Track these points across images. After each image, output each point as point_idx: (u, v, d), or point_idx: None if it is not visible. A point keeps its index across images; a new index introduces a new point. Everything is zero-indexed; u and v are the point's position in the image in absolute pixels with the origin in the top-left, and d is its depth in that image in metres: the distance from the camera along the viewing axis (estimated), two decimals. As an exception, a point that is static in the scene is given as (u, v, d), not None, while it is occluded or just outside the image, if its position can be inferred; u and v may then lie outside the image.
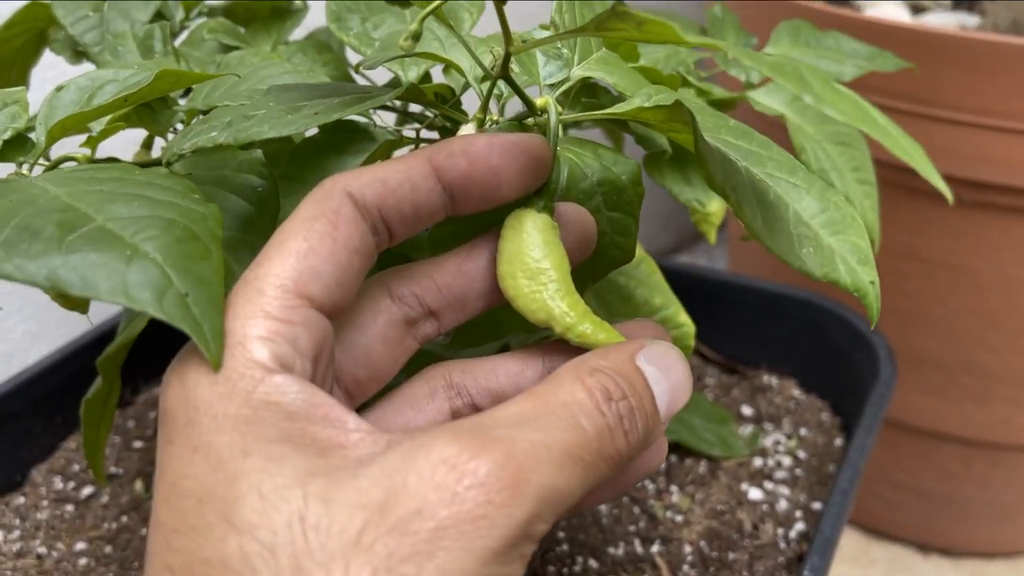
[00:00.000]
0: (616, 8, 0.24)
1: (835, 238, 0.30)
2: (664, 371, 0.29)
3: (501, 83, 0.31)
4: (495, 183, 0.28)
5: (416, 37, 0.28)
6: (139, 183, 0.26)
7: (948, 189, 0.47)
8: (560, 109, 0.30)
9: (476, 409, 0.31)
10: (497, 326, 0.34)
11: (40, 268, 0.22)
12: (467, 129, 0.31)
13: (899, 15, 0.80)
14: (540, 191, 0.30)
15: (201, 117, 0.29)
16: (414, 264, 0.31)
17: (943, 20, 0.80)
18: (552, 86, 0.33)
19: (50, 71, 0.51)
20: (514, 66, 0.32)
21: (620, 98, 0.34)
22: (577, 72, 0.33)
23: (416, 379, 0.32)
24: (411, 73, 0.36)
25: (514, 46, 0.28)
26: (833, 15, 0.70)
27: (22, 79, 0.49)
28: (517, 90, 0.30)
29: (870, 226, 0.43)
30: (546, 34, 0.32)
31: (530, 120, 0.32)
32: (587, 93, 0.34)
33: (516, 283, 0.29)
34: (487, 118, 0.32)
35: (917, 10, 0.83)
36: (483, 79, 0.33)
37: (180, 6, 0.44)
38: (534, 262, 0.29)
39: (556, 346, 0.31)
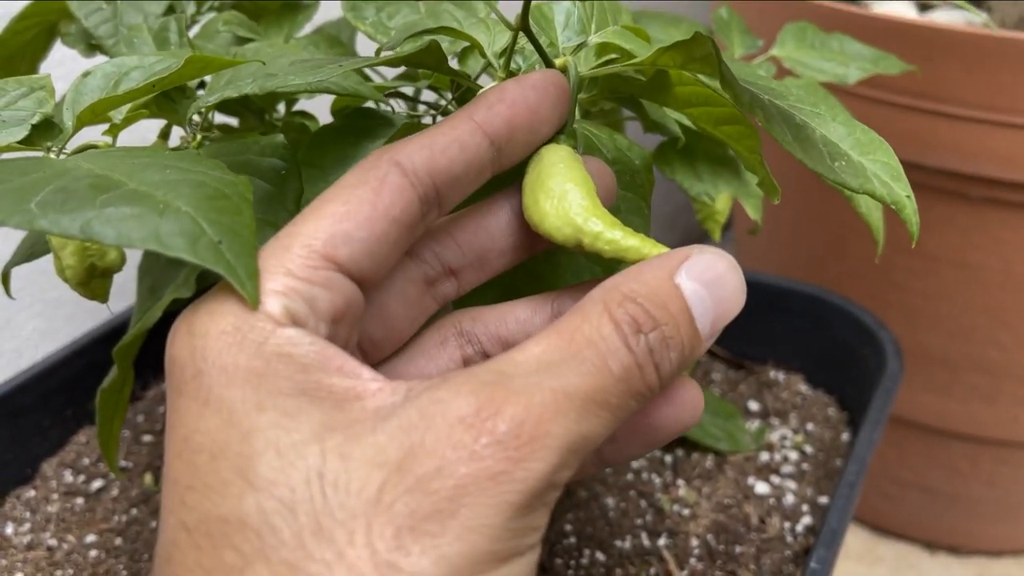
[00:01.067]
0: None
1: (865, 158, 0.29)
2: (709, 286, 0.26)
3: (518, 54, 0.31)
4: (536, 122, 0.28)
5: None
6: (171, 157, 0.26)
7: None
8: (579, 66, 0.31)
9: (486, 356, 0.30)
10: (538, 281, 0.34)
11: (74, 221, 0.22)
12: (488, 82, 0.31)
13: (906, 12, 0.80)
14: (560, 129, 0.30)
15: (226, 71, 0.29)
16: (433, 224, 0.30)
17: (950, 16, 0.80)
18: (571, 49, 0.33)
19: (59, 68, 0.51)
20: (538, 31, 0.32)
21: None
22: (594, 39, 0.33)
23: (427, 329, 0.31)
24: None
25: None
26: (840, 13, 0.70)
27: (32, 72, 0.49)
28: (536, 45, 0.30)
29: (875, 225, 0.43)
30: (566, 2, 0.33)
31: None
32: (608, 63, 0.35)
33: (539, 207, 0.28)
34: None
35: (924, 7, 0.83)
36: (501, 43, 0.33)
37: (192, 1, 0.44)
38: (557, 185, 0.28)
39: (566, 291, 0.30)
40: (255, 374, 0.23)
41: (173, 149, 0.34)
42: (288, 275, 0.25)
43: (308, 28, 0.49)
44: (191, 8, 0.43)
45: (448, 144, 0.27)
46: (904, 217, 0.29)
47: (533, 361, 0.24)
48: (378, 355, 0.29)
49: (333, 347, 0.24)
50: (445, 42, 0.35)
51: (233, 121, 0.43)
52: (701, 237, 1.32)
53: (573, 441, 0.23)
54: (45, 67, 0.50)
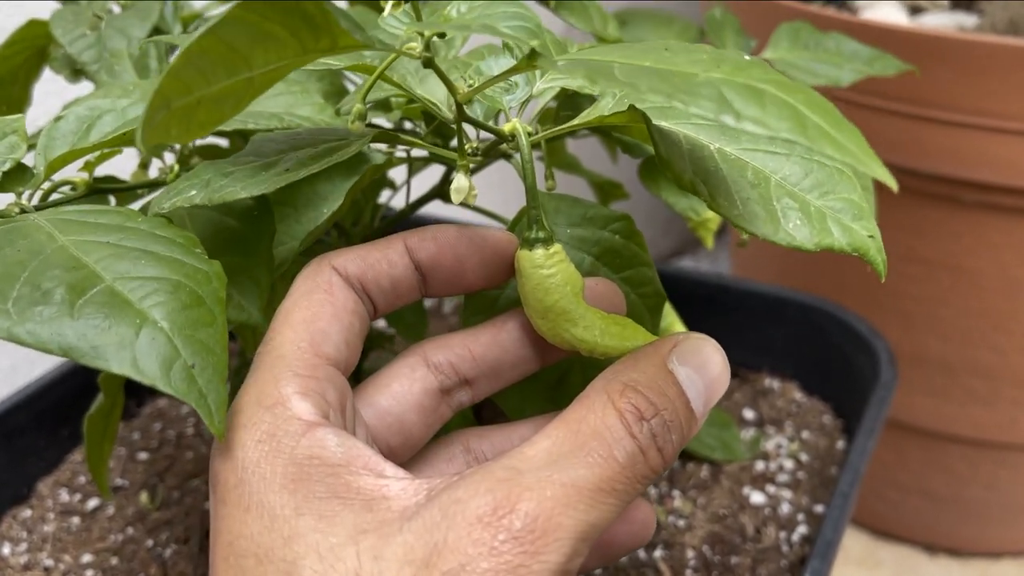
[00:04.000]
0: None
1: (824, 200, 0.28)
2: (699, 369, 0.29)
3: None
4: (459, 269, 0.31)
5: (362, 117, 0.30)
6: (143, 235, 0.27)
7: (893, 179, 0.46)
8: (529, 129, 0.31)
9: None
10: (569, 389, 0.35)
11: (52, 335, 0.24)
12: (459, 181, 0.31)
13: (897, 16, 0.81)
14: (530, 225, 0.30)
15: (186, 174, 0.30)
16: (450, 335, 0.33)
17: (941, 21, 0.80)
18: (518, 107, 0.33)
19: (51, 84, 0.51)
20: (482, 98, 0.32)
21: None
22: (541, 86, 0.33)
23: (437, 444, 0.33)
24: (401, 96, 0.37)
25: (461, 95, 0.29)
26: (831, 19, 0.71)
27: (24, 95, 0.49)
28: (482, 126, 0.31)
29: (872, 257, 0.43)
30: (501, 60, 0.33)
31: (503, 146, 0.32)
32: (570, 105, 0.35)
33: (538, 324, 0.31)
34: (468, 146, 0.32)
35: (915, 11, 0.83)
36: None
37: (178, 21, 0.44)
38: (538, 302, 0.30)
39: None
40: (291, 480, 0.25)
41: (146, 185, 0.34)
42: (297, 376, 0.27)
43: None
44: (177, 29, 0.43)
45: (379, 259, 0.30)
46: (869, 260, 0.28)
47: (543, 455, 0.26)
48: (395, 461, 0.32)
49: (358, 444, 0.27)
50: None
51: (220, 141, 0.43)
52: (698, 243, 1.32)
53: (583, 530, 0.25)
54: (40, 85, 0.51)
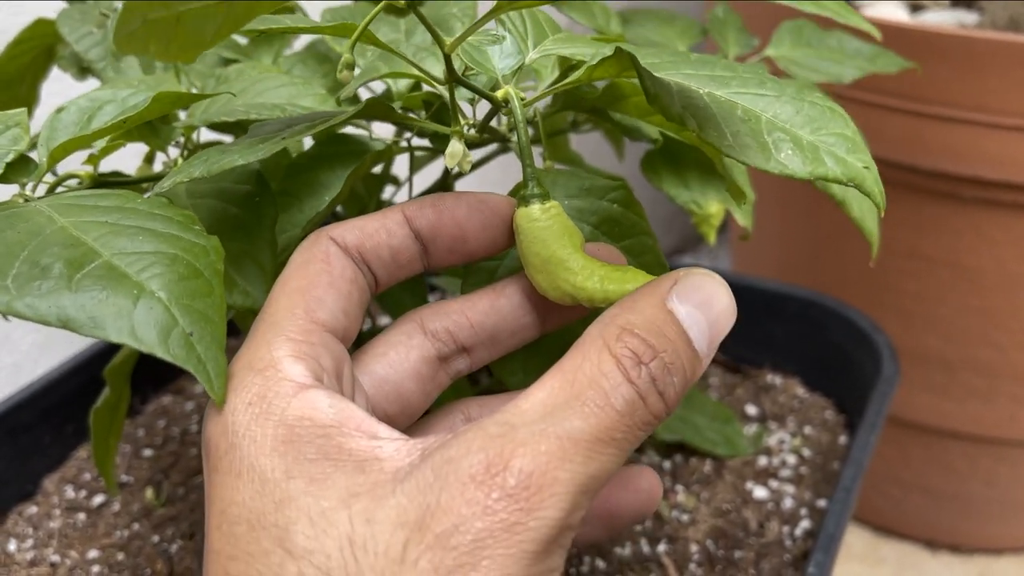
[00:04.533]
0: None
1: (817, 135, 0.27)
2: (701, 306, 0.27)
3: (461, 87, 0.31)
4: (460, 235, 0.30)
5: (350, 67, 0.29)
6: (142, 214, 0.27)
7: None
8: (521, 95, 0.30)
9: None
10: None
11: (51, 308, 0.23)
12: (453, 145, 0.31)
13: (897, 14, 0.81)
14: (526, 183, 0.30)
15: (187, 159, 0.30)
16: (448, 301, 0.32)
17: (941, 18, 0.81)
18: (510, 75, 0.32)
19: (56, 83, 0.52)
20: (473, 65, 0.32)
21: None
22: (532, 55, 0.32)
23: (435, 414, 0.33)
24: (400, 84, 0.37)
25: (447, 45, 0.28)
26: (831, 17, 0.71)
27: (32, 94, 0.49)
28: (474, 89, 0.30)
29: (868, 230, 0.42)
30: (491, 26, 0.32)
31: (502, 126, 0.32)
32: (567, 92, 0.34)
33: (536, 280, 0.30)
34: (464, 123, 0.32)
35: (916, 8, 0.83)
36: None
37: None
38: (535, 256, 0.29)
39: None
40: (281, 442, 0.25)
41: (149, 179, 0.34)
42: (291, 341, 0.26)
43: (303, 41, 0.49)
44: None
45: (377, 229, 0.30)
46: (866, 190, 0.27)
47: (538, 407, 0.25)
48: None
49: (351, 406, 0.26)
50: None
51: (226, 138, 0.44)
52: (699, 240, 1.32)
53: (582, 483, 0.24)
54: (48, 84, 0.51)
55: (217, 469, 0.25)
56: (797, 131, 0.27)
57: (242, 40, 0.47)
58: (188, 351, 0.24)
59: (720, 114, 0.27)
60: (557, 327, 0.33)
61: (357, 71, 0.34)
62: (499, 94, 0.30)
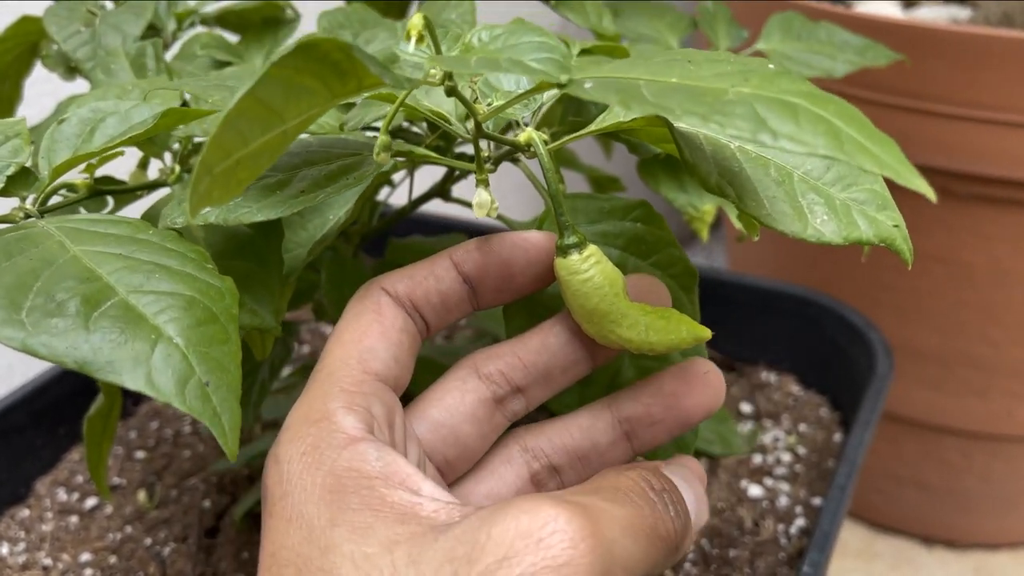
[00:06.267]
0: None
1: (848, 192, 0.28)
2: (687, 482, 0.30)
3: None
4: (506, 274, 0.31)
5: (387, 148, 0.29)
6: (155, 247, 0.27)
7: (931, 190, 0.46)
8: (545, 138, 0.30)
9: (554, 470, 0.33)
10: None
11: (68, 349, 0.23)
12: (480, 195, 0.31)
13: (891, 10, 0.81)
14: (561, 232, 0.30)
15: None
16: (499, 344, 0.32)
17: (935, 14, 0.80)
18: (531, 115, 0.33)
19: (46, 84, 0.51)
20: (485, 90, 0.32)
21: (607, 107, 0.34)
22: (551, 92, 0.32)
23: (493, 447, 0.33)
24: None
25: (481, 115, 0.29)
26: (825, 12, 0.71)
27: (15, 92, 0.49)
28: (501, 140, 0.31)
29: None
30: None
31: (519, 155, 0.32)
32: (573, 110, 0.34)
33: (585, 327, 0.31)
34: (484, 155, 0.32)
35: (909, 4, 0.83)
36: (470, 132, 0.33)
37: (172, 17, 0.44)
38: (580, 307, 0.30)
39: (621, 394, 0.33)
40: (328, 491, 0.26)
41: (145, 187, 0.33)
42: (344, 392, 0.28)
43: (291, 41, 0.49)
44: (172, 25, 0.43)
45: (426, 275, 0.31)
46: (896, 249, 0.28)
47: (577, 492, 0.27)
48: (452, 474, 0.32)
49: (398, 459, 0.27)
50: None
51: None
52: (691, 238, 1.32)
53: (621, 552, 0.26)
54: (31, 82, 0.50)
55: (272, 514, 0.27)
56: (829, 189, 0.28)
57: (233, 38, 0.46)
58: (204, 403, 0.24)
59: (755, 176, 0.28)
60: (608, 361, 0.34)
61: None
62: (522, 138, 0.30)
